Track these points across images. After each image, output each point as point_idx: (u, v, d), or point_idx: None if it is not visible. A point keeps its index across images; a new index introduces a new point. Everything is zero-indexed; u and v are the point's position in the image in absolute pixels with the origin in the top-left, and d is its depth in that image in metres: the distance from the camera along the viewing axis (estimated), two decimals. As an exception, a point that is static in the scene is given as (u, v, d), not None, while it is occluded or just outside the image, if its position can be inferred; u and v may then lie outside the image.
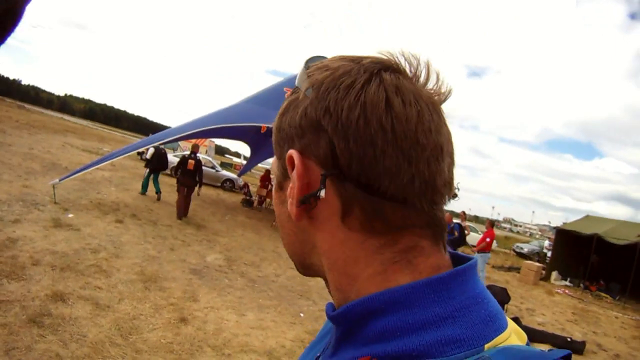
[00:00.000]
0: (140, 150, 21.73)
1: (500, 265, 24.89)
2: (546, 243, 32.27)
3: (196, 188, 14.73)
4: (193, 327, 6.07)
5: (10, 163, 14.66)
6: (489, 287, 10.10)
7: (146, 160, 17.29)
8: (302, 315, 7.65)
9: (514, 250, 37.15)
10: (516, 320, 9.45)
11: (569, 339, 9.92)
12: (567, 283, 21.91)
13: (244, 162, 40.27)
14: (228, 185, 28.04)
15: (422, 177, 0.60)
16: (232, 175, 29.63)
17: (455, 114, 0.68)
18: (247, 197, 22.38)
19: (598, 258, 21.81)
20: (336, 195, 0.62)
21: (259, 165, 32.27)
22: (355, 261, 0.64)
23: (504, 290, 10.34)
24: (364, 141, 0.59)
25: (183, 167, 14.37)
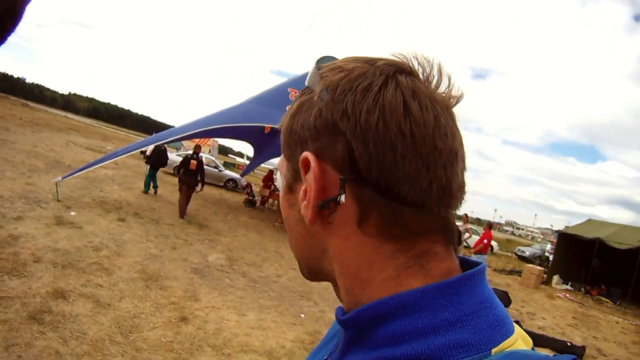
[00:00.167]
0: (143, 149, 21.75)
1: (501, 268, 24.85)
2: (548, 247, 32.26)
3: (197, 187, 14.77)
4: (193, 327, 6.07)
5: (14, 160, 14.70)
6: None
7: (146, 156, 17.32)
8: (302, 316, 7.64)
9: (515, 254, 37.08)
10: (517, 323, 9.41)
11: (568, 344, 9.90)
12: (568, 287, 21.87)
13: (247, 162, 40.32)
14: (231, 185, 28.06)
15: (439, 182, 0.60)
16: (235, 175, 29.67)
17: (461, 116, 0.69)
18: (250, 197, 22.35)
19: (600, 262, 21.78)
20: (353, 199, 0.62)
21: (262, 165, 32.26)
22: (369, 266, 0.64)
23: (505, 293, 10.35)
24: (384, 145, 0.59)
25: (185, 167, 14.46)
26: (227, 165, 43.15)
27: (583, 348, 10.05)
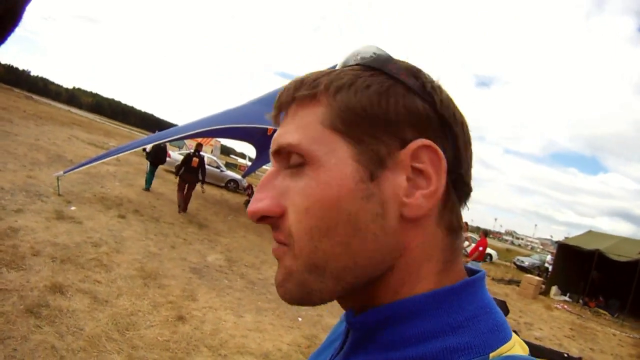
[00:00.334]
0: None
1: (500, 277, 24.83)
2: (549, 258, 32.24)
3: (198, 185, 15.12)
4: (190, 326, 6.06)
5: (16, 153, 14.72)
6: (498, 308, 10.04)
7: (147, 153, 17.39)
8: (300, 319, 7.63)
9: (514, 263, 37.10)
10: (514, 333, 9.41)
11: (565, 355, 9.81)
12: (567, 298, 21.84)
13: (249, 163, 40.34)
14: (232, 185, 28.03)
15: (470, 181, 0.70)
16: (236, 176, 29.68)
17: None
18: (251, 199, 22.16)
19: (599, 274, 21.74)
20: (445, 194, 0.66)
21: (264, 167, 32.27)
22: (429, 260, 0.66)
23: (503, 303, 10.25)
24: (468, 149, 0.69)
25: (187, 165, 14.77)
26: (228, 165, 43.15)
27: (580, 360, 10.02)
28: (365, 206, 0.62)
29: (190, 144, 28.67)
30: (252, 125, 14.12)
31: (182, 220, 13.04)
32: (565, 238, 27.40)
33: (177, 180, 15.11)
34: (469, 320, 0.60)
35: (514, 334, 0.64)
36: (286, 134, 0.68)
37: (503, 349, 0.58)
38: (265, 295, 8.39)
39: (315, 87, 0.68)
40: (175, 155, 24.40)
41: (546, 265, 31.29)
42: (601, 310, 20.41)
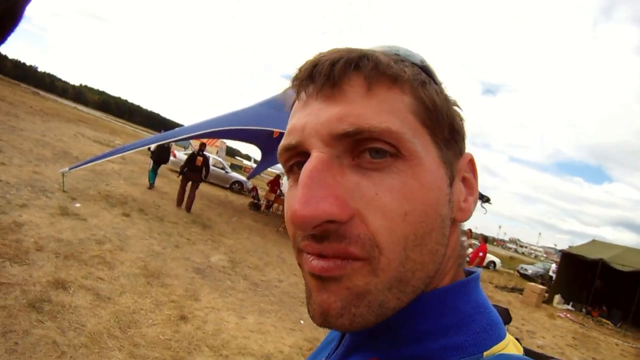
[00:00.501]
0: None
1: (503, 285, 24.78)
2: (553, 266, 32.23)
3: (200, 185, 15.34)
4: (192, 326, 6.04)
5: (22, 148, 14.74)
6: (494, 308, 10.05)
7: (151, 152, 17.50)
8: (302, 322, 7.61)
9: (518, 271, 37.09)
10: (516, 341, 9.41)
11: (568, 365, 9.86)
12: (570, 307, 21.78)
13: (254, 165, 40.41)
14: (237, 187, 28.03)
15: None
16: (241, 177, 29.66)
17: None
18: (255, 201, 22.40)
19: (602, 283, 21.70)
20: None
21: (269, 169, 32.34)
22: (448, 262, 0.67)
23: (506, 310, 10.17)
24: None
25: (191, 164, 15.01)
26: (233, 167, 43.31)
27: (582, 370, 10.00)
28: (443, 211, 0.61)
29: (196, 145, 28.85)
30: (258, 128, 14.14)
31: (186, 220, 13.02)
32: (569, 247, 27.39)
33: (179, 178, 15.30)
34: (464, 319, 0.60)
35: (508, 333, 0.64)
36: (370, 114, 0.58)
37: (496, 348, 0.58)
38: (268, 297, 8.37)
39: (395, 70, 0.61)
40: (181, 155, 24.50)
41: (550, 274, 31.26)
42: (604, 320, 20.35)
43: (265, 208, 22.53)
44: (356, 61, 0.60)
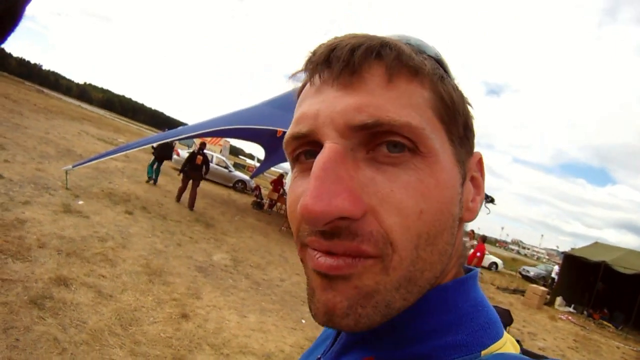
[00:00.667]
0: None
1: (505, 287, 24.72)
2: (556, 268, 32.20)
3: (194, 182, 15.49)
4: (194, 324, 6.04)
5: (25, 145, 14.76)
6: (493, 307, 10.05)
7: (153, 148, 17.56)
8: (303, 321, 7.61)
9: (520, 273, 37.08)
10: (517, 343, 9.39)
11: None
12: (571, 309, 21.76)
13: (257, 164, 40.43)
14: (240, 186, 27.97)
15: None
16: (244, 176, 29.60)
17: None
18: (258, 200, 22.36)
19: (604, 286, 21.66)
20: None
21: (272, 168, 32.32)
22: (457, 252, 0.67)
23: (508, 312, 10.26)
24: None
25: (192, 163, 15.16)
26: (237, 166, 43.26)
27: (583, 372, 9.99)
28: (454, 210, 0.60)
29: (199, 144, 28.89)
30: (261, 127, 14.14)
31: (189, 219, 13.03)
32: (572, 249, 27.31)
33: (180, 177, 15.48)
34: (463, 318, 0.60)
35: (505, 332, 0.63)
36: (390, 107, 0.55)
37: (494, 347, 0.57)
38: (269, 296, 8.37)
39: (417, 62, 0.59)
40: (184, 153, 24.55)
41: (553, 275, 31.23)
42: (605, 323, 20.34)
43: (268, 207, 22.53)
44: (378, 49, 0.58)
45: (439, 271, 0.59)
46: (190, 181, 15.10)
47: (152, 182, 17.07)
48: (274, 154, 25.08)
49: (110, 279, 6.55)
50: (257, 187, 24.28)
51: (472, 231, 17.03)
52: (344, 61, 0.57)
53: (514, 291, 23.84)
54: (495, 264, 35.07)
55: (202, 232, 11.87)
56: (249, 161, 71.34)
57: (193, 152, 15.73)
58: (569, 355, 12.16)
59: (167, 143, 17.11)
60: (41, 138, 17.66)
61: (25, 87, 70.38)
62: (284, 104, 14.15)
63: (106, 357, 4.58)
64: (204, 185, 16.38)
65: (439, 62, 0.66)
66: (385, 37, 0.61)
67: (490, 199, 14.08)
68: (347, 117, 0.55)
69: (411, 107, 0.56)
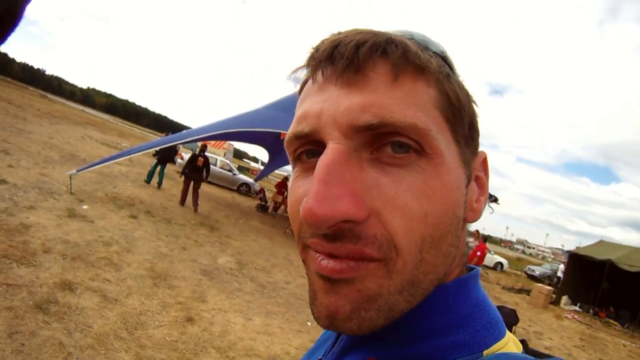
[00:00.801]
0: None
1: (510, 286, 24.69)
2: (561, 266, 32.20)
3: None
4: (199, 328, 6.04)
5: (29, 150, 14.79)
6: (498, 307, 10.07)
7: (156, 150, 17.65)
8: (309, 324, 7.60)
9: (525, 273, 37.04)
10: (523, 342, 9.37)
11: (576, 366, 9.82)
12: (577, 308, 21.70)
13: (261, 167, 40.45)
14: (244, 189, 27.97)
15: None
16: (248, 179, 29.64)
17: None
18: (262, 203, 22.41)
19: (609, 284, 21.61)
20: None
21: (276, 171, 32.34)
22: (460, 253, 0.65)
23: (513, 311, 10.26)
24: None
25: (192, 164, 15.46)
26: (241, 169, 43.31)
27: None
28: (459, 212, 0.59)
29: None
30: (265, 130, 14.16)
31: (194, 222, 13.04)
32: (577, 248, 27.31)
33: (182, 178, 15.70)
34: (465, 317, 0.59)
35: (507, 331, 0.62)
36: (395, 107, 0.54)
37: (496, 347, 0.57)
38: (275, 299, 8.37)
39: (423, 60, 0.57)
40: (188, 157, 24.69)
41: (559, 274, 31.20)
42: (611, 321, 20.27)
43: (272, 210, 22.51)
44: (383, 46, 0.56)
45: (443, 273, 0.58)
46: (192, 183, 15.30)
47: (154, 183, 17.28)
48: (278, 157, 25.10)
49: (115, 283, 6.55)
50: (262, 190, 24.31)
51: (477, 231, 16.96)
52: (347, 58, 0.56)
53: (520, 291, 23.80)
54: (501, 263, 35.07)
55: (206, 236, 11.88)
56: (253, 164, 71.27)
57: (194, 153, 15.92)
58: (576, 354, 12.13)
59: (170, 146, 17.19)
60: (45, 143, 17.70)
61: (29, 92, 70.58)
62: (287, 107, 14.16)
63: (112, 361, 4.59)
64: (208, 188, 16.38)
65: (444, 59, 0.65)
66: (391, 34, 0.59)
67: (494, 199, 14.03)
68: (351, 117, 0.54)
69: (417, 106, 0.55)
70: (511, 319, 9.66)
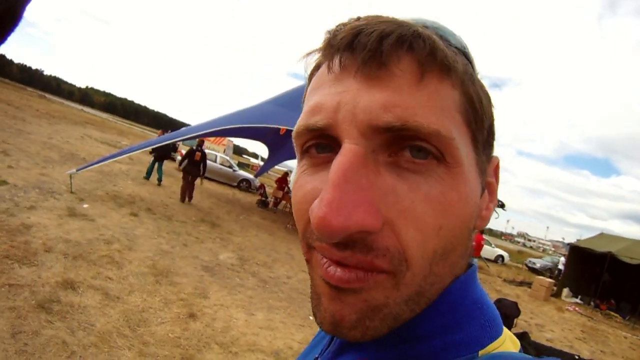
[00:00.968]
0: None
1: (511, 279, 24.67)
2: (562, 259, 32.15)
3: (199, 179, 16.23)
4: (201, 324, 6.05)
5: (29, 151, 14.79)
6: (500, 300, 10.09)
7: (152, 148, 17.72)
8: (311, 318, 7.56)
9: (526, 265, 37.01)
10: (525, 335, 9.39)
11: (576, 357, 9.80)
12: (578, 300, 21.67)
13: (262, 163, 40.45)
14: (244, 185, 27.92)
15: None
16: (248, 175, 29.58)
17: None
18: (263, 198, 22.36)
19: (610, 277, 21.58)
20: None
21: (276, 167, 32.32)
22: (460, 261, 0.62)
23: (515, 304, 10.27)
24: None
25: (190, 158, 15.75)
26: (241, 165, 43.24)
27: (591, 362, 9.96)
28: (473, 217, 0.58)
29: (204, 145, 28.89)
30: (264, 125, 14.15)
31: (195, 219, 13.04)
32: (577, 240, 27.24)
33: (181, 173, 16.00)
34: (462, 317, 0.58)
35: (505, 329, 0.62)
36: (419, 110, 0.50)
37: (492, 346, 0.56)
38: (277, 294, 8.37)
39: (451, 59, 0.53)
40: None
41: (560, 267, 31.17)
42: (612, 313, 20.25)
43: (273, 205, 22.52)
44: (410, 40, 0.52)
45: (448, 282, 0.57)
46: (189, 177, 15.60)
47: (154, 180, 17.43)
48: (277, 152, 25.06)
49: (117, 281, 6.56)
50: (262, 186, 24.30)
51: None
52: (370, 50, 0.51)
53: (521, 283, 23.78)
54: (502, 256, 35.01)
55: (207, 232, 11.88)
56: (253, 160, 71.15)
57: (192, 148, 16.15)
58: (577, 346, 12.11)
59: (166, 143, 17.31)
60: (44, 143, 17.71)
61: (27, 93, 70.50)
62: (287, 102, 14.15)
63: (115, 358, 4.58)
64: (208, 185, 16.38)
65: (466, 55, 0.61)
66: (416, 25, 0.55)
67: (500, 204, 13.99)
68: (371, 116, 0.50)
69: (441, 111, 0.52)
70: (513, 311, 9.66)
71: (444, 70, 0.53)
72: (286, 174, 23.38)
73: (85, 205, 10.08)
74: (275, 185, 23.59)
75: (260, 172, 30.64)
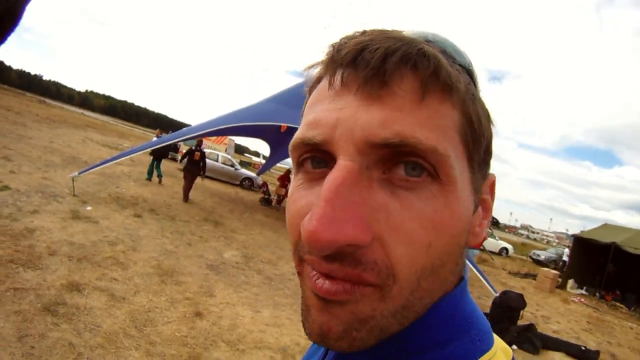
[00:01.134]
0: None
1: (516, 271, 24.69)
2: (566, 251, 32.16)
3: (199, 178, 16.48)
4: (208, 322, 6.06)
5: (30, 155, 14.83)
6: (505, 292, 10.10)
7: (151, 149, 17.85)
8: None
9: (530, 257, 37.05)
10: (531, 326, 9.39)
11: (583, 348, 9.82)
12: (583, 292, 21.71)
13: (263, 161, 40.50)
14: (247, 183, 28.03)
15: None
16: (251, 174, 29.68)
17: None
18: (266, 196, 22.41)
19: (615, 267, 21.59)
20: None
21: (278, 164, 32.36)
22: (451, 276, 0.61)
23: (521, 296, 10.29)
24: None
25: (190, 157, 15.92)
26: (243, 164, 43.30)
27: (597, 352, 9.95)
28: (466, 239, 0.59)
29: (205, 144, 28.93)
30: (265, 123, 14.17)
31: (198, 219, 13.06)
32: (581, 231, 27.23)
33: (183, 170, 16.20)
34: (453, 333, 0.58)
35: (497, 339, 0.62)
36: (418, 127, 0.50)
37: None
38: (282, 291, 8.39)
39: (454, 80, 0.53)
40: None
41: (564, 258, 31.18)
42: (618, 304, 20.29)
43: (276, 203, 22.54)
44: (414, 59, 0.52)
45: (438, 297, 0.57)
46: (190, 176, 15.79)
47: (156, 180, 17.70)
48: (279, 150, 25.14)
49: (122, 281, 6.56)
50: (264, 184, 24.33)
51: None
52: (373, 68, 0.51)
53: (526, 275, 23.81)
54: (506, 249, 35.02)
55: (211, 231, 11.90)
56: (254, 159, 71.35)
57: (191, 148, 16.31)
58: (583, 337, 12.13)
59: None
60: (46, 147, 17.76)
61: (27, 99, 70.76)
62: (287, 100, 14.18)
63: (122, 359, 4.59)
64: (211, 184, 16.43)
65: (469, 73, 0.62)
66: (421, 43, 0.55)
67: (494, 221, 14.04)
68: (369, 133, 0.50)
69: (439, 130, 0.52)
70: (519, 303, 9.66)
71: (445, 91, 0.53)
72: (288, 172, 23.42)
73: (89, 208, 10.09)
74: (277, 183, 23.64)
75: (263, 170, 30.73)
